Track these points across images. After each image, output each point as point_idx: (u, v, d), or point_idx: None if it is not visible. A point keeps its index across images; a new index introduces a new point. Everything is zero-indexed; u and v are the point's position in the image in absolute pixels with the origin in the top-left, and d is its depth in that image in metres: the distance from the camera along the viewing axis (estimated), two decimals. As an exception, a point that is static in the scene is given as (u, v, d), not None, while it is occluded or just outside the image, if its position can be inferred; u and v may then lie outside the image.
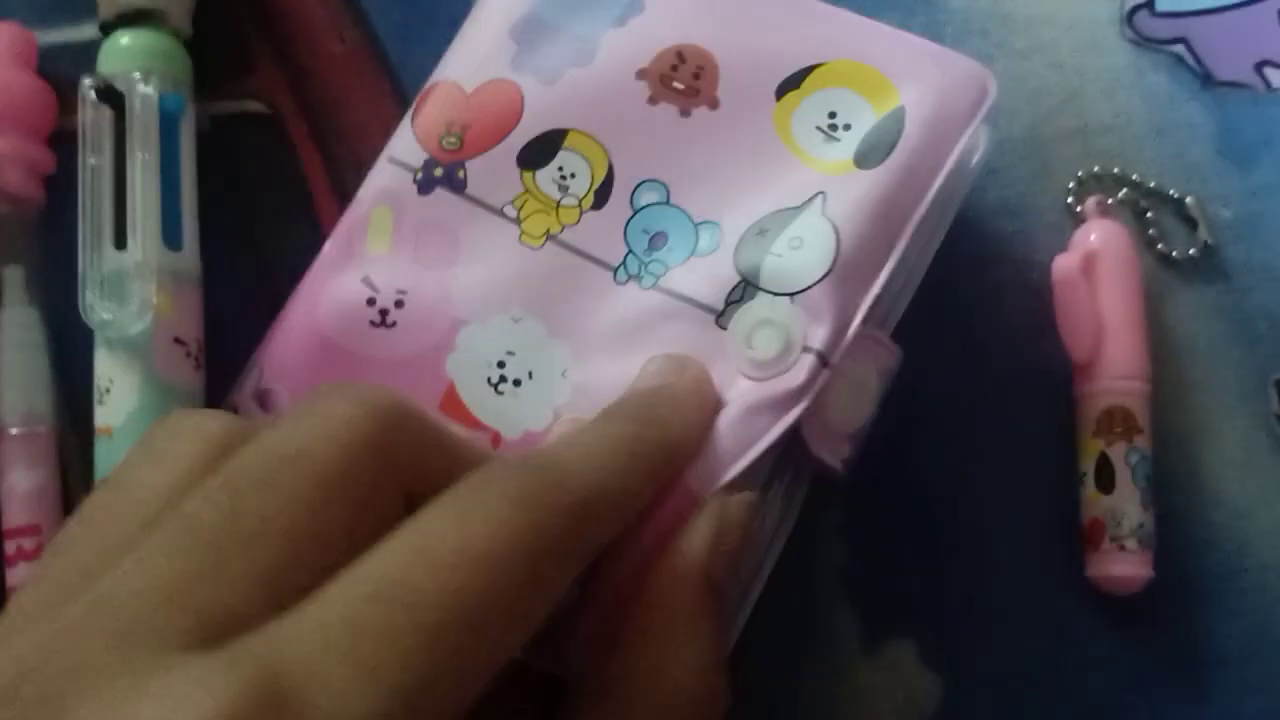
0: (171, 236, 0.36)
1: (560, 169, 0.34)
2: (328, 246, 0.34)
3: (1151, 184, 0.38)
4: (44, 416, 0.36)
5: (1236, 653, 0.34)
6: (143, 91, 0.36)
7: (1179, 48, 0.39)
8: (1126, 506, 0.34)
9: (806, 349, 0.30)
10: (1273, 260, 0.37)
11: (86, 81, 0.36)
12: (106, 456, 0.35)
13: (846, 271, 0.30)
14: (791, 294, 0.30)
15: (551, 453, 0.27)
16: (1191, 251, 0.37)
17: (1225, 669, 0.34)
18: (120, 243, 0.35)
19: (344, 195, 0.38)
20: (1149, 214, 0.37)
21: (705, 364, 0.31)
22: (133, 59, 0.37)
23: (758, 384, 0.30)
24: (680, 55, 0.34)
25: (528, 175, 0.34)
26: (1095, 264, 0.36)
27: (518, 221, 0.33)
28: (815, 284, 0.30)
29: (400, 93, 0.39)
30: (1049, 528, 0.35)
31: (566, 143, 0.34)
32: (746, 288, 0.31)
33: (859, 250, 0.31)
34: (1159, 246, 0.37)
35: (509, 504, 0.22)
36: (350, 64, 0.39)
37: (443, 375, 0.33)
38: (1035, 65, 0.38)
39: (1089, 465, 0.35)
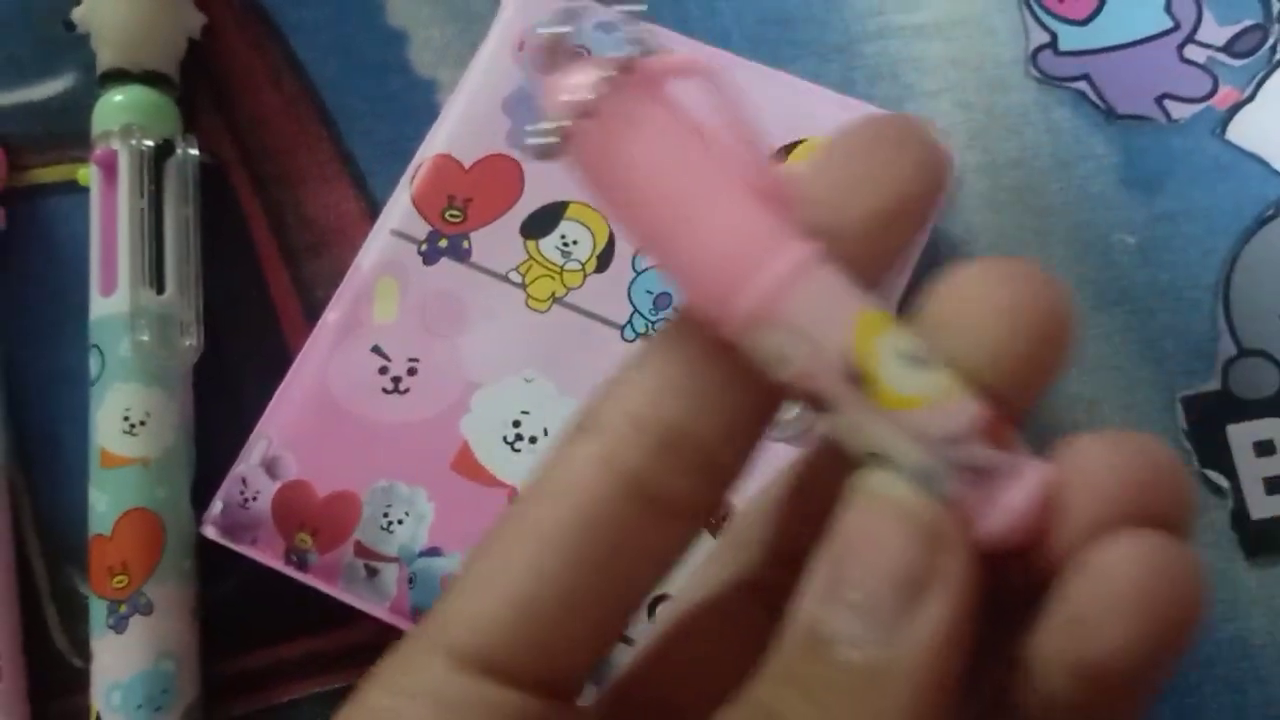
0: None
1: (563, 237, 0.35)
2: (330, 315, 0.36)
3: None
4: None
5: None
6: (186, 150, 0.38)
7: (1082, 84, 0.40)
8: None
9: None
10: (1176, 281, 0.39)
11: (131, 131, 0.37)
12: (141, 483, 0.35)
13: None
14: None
15: None
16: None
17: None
18: (156, 284, 0.36)
19: (284, 240, 0.39)
20: (1056, 243, 0.39)
21: None
22: (140, 114, 0.38)
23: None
24: None
25: (531, 244, 0.35)
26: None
27: (523, 286, 0.35)
28: None
29: (337, 140, 0.40)
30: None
31: (568, 214, 0.35)
32: None
33: None
34: (1067, 274, 0.39)
35: None
36: (289, 113, 0.40)
37: (457, 435, 0.34)
38: (944, 105, 0.40)
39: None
